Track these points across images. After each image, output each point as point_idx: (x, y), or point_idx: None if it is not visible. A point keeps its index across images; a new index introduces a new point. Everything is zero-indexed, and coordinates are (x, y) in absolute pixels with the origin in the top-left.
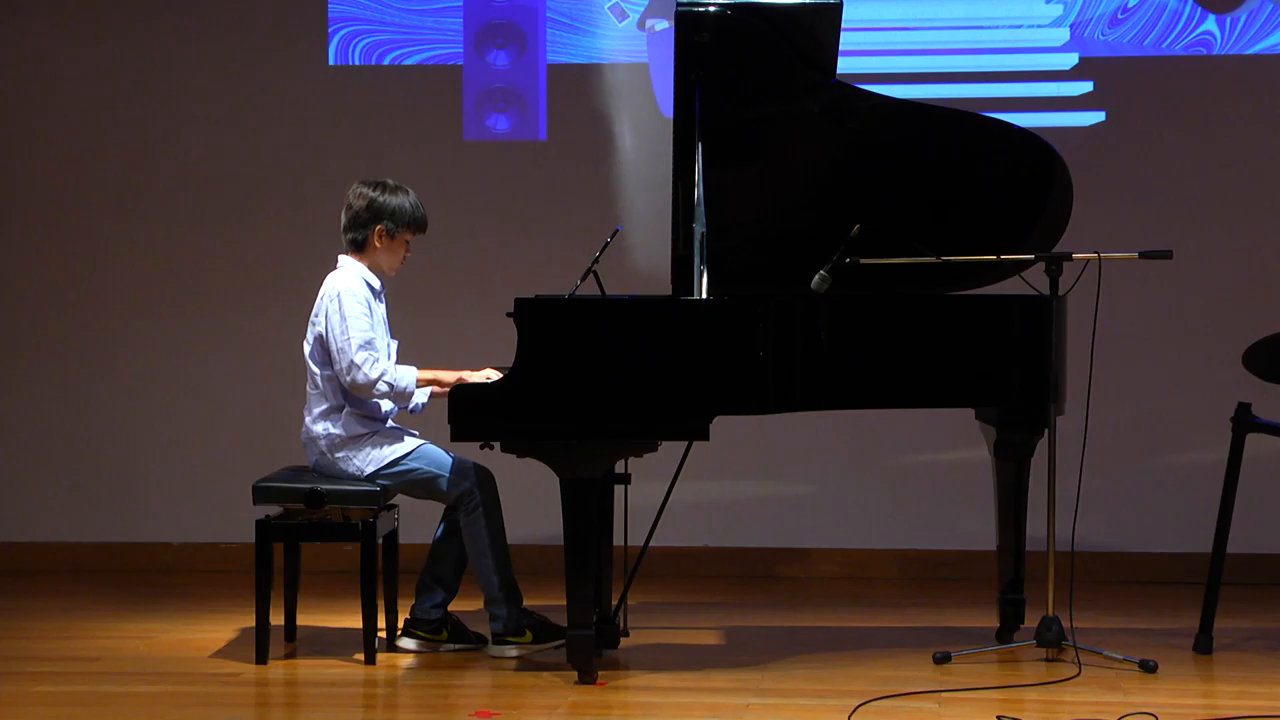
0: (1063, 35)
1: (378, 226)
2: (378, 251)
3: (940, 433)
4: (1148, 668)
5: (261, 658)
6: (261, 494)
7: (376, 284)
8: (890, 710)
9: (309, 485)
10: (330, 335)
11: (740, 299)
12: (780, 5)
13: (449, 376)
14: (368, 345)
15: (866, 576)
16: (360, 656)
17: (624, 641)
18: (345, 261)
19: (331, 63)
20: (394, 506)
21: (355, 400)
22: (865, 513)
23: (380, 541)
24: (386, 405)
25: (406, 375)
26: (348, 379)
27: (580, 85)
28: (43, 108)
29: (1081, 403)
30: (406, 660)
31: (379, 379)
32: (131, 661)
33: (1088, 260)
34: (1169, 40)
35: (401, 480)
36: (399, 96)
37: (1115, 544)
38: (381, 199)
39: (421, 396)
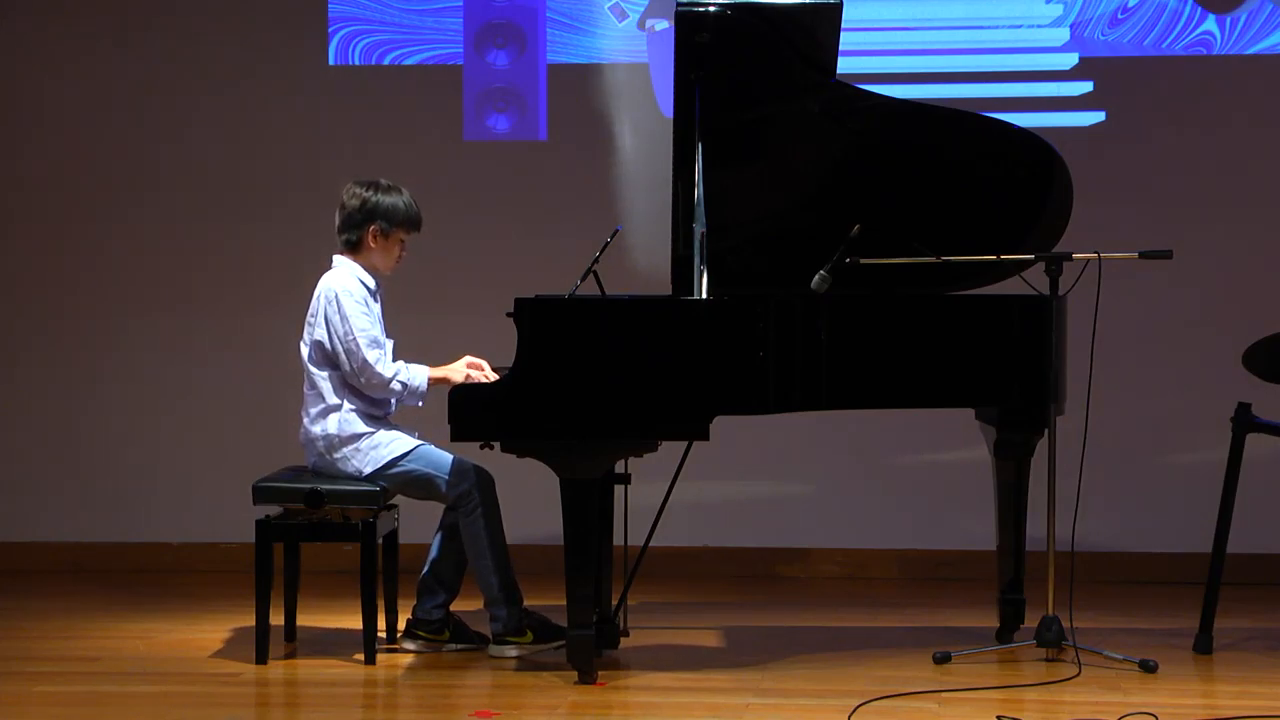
0: (1063, 35)
1: (372, 226)
2: (373, 251)
3: (940, 433)
4: (1148, 668)
5: (261, 658)
6: (261, 494)
7: (372, 283)
8: (890, 710)
9: (309, 485)
10: (334, 337)
11: (740, 299)
12: (780, 5)
13: (459, 376)
14: (375, 344)
15: (866, 576)
16: (360, 656)
17: (624, 641)
18: (340, 262)
19: (331, 63)
20: (394, 506)
21: (353, 400)
22: (865, 513)
23: (380, 541)
24: (392, 402)
25: (419, 375)
26: (361, 380)
27: (580, 85)
28: (42, 108)
29: (1081, 403)
30: (406, 660)
31: (393, 379)
32: (131, 661)
33: (1088, 260)
34: (1169, 40)
35: (400, 481)
36: (399, 96)
37: (1115, 544)
38: (375, 198)
39: None
